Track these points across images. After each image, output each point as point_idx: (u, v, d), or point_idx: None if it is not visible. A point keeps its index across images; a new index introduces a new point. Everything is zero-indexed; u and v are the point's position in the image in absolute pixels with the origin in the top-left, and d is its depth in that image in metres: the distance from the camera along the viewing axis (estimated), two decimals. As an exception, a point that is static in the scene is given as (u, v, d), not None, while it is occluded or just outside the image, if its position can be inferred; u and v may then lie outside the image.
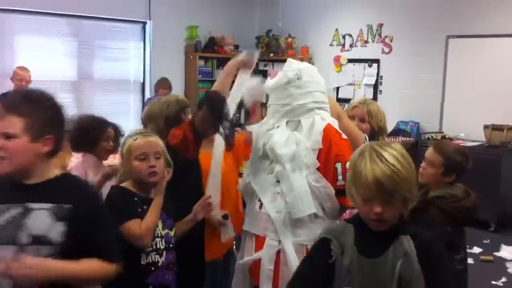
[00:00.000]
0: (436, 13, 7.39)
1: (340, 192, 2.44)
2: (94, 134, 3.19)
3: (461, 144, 6.19)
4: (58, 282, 1.82)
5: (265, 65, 9.26)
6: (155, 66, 8.48)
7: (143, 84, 8.62)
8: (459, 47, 7.19)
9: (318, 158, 2.46)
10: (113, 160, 4.17)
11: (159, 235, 2.42)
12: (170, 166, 2.49)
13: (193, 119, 2.52)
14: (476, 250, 5.60)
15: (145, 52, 8.55)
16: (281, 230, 2.44)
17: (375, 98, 7.88)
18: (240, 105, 2.84)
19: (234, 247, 4.23)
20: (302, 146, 2.46)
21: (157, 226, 2.41)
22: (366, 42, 8.31)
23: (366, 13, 8.28)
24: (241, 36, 9.36)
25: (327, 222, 2.49)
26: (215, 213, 2.96)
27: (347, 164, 2.42)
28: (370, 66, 8.24)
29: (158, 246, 2.41)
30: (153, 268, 2.38)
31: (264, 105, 2.88)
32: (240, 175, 3.24)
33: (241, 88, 2.77)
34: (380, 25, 8.09)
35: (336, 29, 8.66)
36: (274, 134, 2.51)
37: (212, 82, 9.07)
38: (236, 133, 2.92)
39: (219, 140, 2.96)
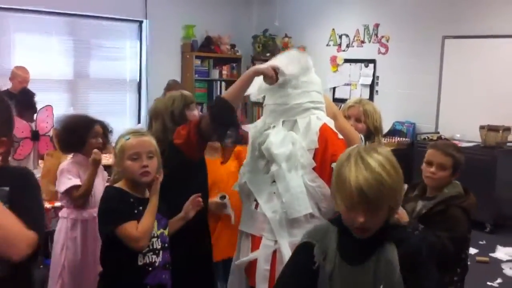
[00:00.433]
0: (432, 14, 7.40)
1: (336, 192, 2.45)
2: (81, 133, 3.18)
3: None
4: None
5: (261, 65, 9.24)
6: (151, 65, 8.47)
7: (139, 83, 8.61)
8: (455, 48, 7.20)
9: (314, 158, 2.46)
10: (108, 160, 4.17)
11: (155, 235, 2.42)
12: (161, 167, 2.48)
13: (200, 120, 2.51)
14: (472, 251, 5.59)
15: (142, 51, 8.55)
16: (277, 230, 2.44)
17: (371, 98, 7.89)
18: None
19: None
20: (298, 146, 2.46)
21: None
22: (363, 42, 8.31)
23: (362, 14, 8.28)
24: (237, 35, 9.36)
25: (323, 222, 2.48)
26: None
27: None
28: (366, 66, 8.25)
29: (155, 246, 2.41)
30: (150, 269, 2.37)
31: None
32: None
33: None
34: (377, 26, 8.10)
35: (333, 29, 8.67)
36: (270, 134, 2.51)
37: (209, 81, 9.10)
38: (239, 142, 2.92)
39: None
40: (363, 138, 3.02)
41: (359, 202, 1.65)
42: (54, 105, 5.04)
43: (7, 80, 6.09)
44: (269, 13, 9.29)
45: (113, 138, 3.22)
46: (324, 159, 2.45)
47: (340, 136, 2.54)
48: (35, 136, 4.71)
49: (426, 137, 7.14)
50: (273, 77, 2.48)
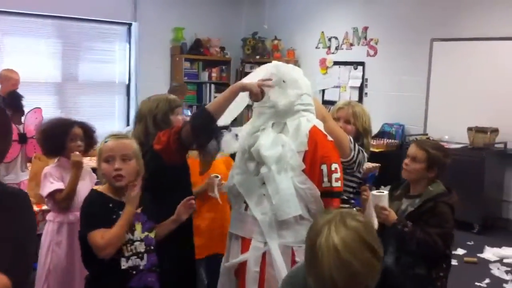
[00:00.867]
0: (421, 17, 7.45)
1: (326, 194, 2.46)
2: (59, 137, 3.15)
3: (445, 146, 6.24)
4: None
5: (251, 67, 9.26)
6: (140, 68, 8.45)
7: (128, 86, 8.58)
8: (444, 50, 7.25)
9: (303, 160, 2.46)
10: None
11: (139, 238, 2.40)
12: (140, 174, 2.44)
13: (181, 128, 2.49)
14: (460, 251, 5.63)
15: (131, 54, 8.51)
16: (267, 232, 2.44)
17: (360, 100, 7.92)
18: None
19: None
20: (288, 148, 2.46)
21: (135, 230, 2.39)
22: (352, 45, 8.35)
23: (351, 16, 8.32)
24: (227, 38, 9.36)
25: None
26: None
27: (333, 166, 2.45)
28: (355, 68, 8.28)
29: (138, 250, 2.39)
30: (134, 272, 2.36)
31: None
32: None
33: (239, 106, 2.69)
34: (366, 28, 8.14)
35: (322, 32, 8.69)
36: (260, 136, 2.51)
37: (198, 84, 9.10)
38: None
39: None
40: (352, 140, 3.03)
41: None
42: (42, 108, 5.02)
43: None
44: (258, 16, 9.31)
45: (100, 139, 3.21)
46: (313, 161, 2.46)
47: (330, 138, 2.55)
48: (23, 139, 4.69)
49: (415, 139, 7.18)
50: (258, 95, 2.49)
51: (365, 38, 8.15)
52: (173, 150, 2.49)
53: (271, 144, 2.47)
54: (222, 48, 9.35)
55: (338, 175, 2.47)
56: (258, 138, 2.51)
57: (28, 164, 4.73)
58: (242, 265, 2.51)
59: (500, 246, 5.79)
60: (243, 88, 2.50)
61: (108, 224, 2.30)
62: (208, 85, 9.23)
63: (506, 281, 4.97)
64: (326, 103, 7.84)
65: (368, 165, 5.48)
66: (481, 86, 6.81)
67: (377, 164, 6.05)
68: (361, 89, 8.20)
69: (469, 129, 6.63)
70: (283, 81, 2.52)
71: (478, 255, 5.61)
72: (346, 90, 8.39)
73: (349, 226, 1.58)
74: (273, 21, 9.11)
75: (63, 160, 3.20)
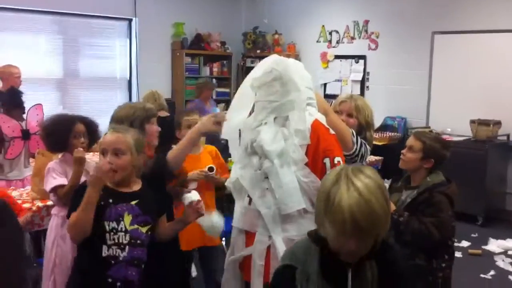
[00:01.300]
0: (422, 10, 7.42)
1: (329, 187, 2.45)
2: (61, 134, 3.14)
3: (447, 139, 6.24)
4: None
5: (252, 62, 9.26)
6: (141, 63, 8.43)
7: (129, 81, 8.57)
8: (445, 43, 7.23)
9: (306, 153, 2.46)
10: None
11: (123, 229, 2.39)
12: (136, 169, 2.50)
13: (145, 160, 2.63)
14: (464, 244, 5.63)
15: (131, 49, 8.50)
16: (271, 225, 2.44)
17: (362, 94, 7.91)
18: None
19: (224, 243, 4.31)
20: (290, 142, 2.46)
21: (122, 220, 2.38)
22: (353, 38, 8.32)
23: (352, 10, 8.29)
24: (227, 33, 9.34)
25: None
26: None
27: (335, 159, 2.44)
28: (356, 62, 8.26)
29: (121, 241, 2.38)
30: (113, 262, 2.36)
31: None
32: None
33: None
34: (366, 22, 8.11)
35: (323, 26, 8.67)
36: (262, 130, 2.50)
37: (199, 79, 9.07)
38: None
39: None
40: (354, 133, 3.03)
41: (352, 230, 1.62)
42: (43, 104, 5.01)
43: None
44: (259, 10, 9.28)
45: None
46: (316, 154, 2.46)
47: (332, 132, 2.55)
48: (26, 135, 4.69)
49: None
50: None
51: (366, 31, 8.13)
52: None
53: (273, 139, 2.47)
54: (223, 43, 9.34)
55: (341, 168, 2.46)
56: (260, 132, 2.50)
57: (31, 160, 4.74)
58: (247, 259, 2.51)
59: (504, 238, 5.79)
60: (201, 133, 2.76)
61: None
62: (209, 80, 9.21)
63: (511, 273, 4.97)
64: (328, 97, 7.83)
65: (370, 158, 5.47)
66: (484, 79, 6.79)
67: (380, 158, 6.04)
68: (362, 82, 8.19)
69: (472, 121, 6.62)
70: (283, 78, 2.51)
71: (483, 247, 5.61)
72: (348, 84, 8.37)
73: (366, 173, 1.69)
74: (274, 15, 9.09)
75: (67, 156, 3.20)
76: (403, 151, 3.04)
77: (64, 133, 3.14)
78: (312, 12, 8.76)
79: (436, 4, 7.25)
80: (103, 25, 8.19)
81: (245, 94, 2.66)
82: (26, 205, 3.60)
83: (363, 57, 8.17)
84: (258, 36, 9.32)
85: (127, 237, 2.39)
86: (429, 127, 7.27)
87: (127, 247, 2.39)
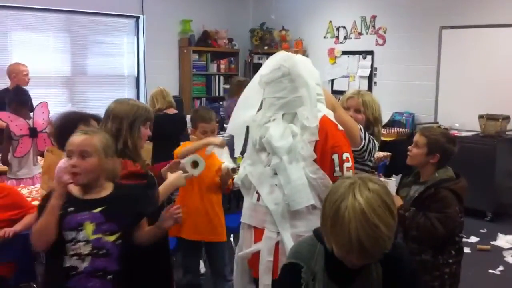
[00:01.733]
0: (429, 4, 7.39)
1: (337, 183, 2.46)
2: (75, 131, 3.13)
3: (456, 134, 6.23)
4: None
5: (259, 58, 9.26)
6: (149, 61, 8.46)
7: (137, 79, 8.60)
8: (453, 38, 7.19)
9: (314, 149, 2.46)
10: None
11: (85, 239, 2.26)
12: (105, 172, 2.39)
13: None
14: (473, 239, 5.62)
15: (139, 46, 8.53)
16: (280, 222, 2.45)
17: (369, 89, 7.90)
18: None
19: (232, 240, 4.33)
20: (299, 138, 2.46)
21: (82, 229, 2.26)
22: (360, 34, 8.30)
23: (359, 5, 8.27)
24: (235, 29, 9.35)
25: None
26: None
27: (344, 155, 2.45)
28: (364, 58, 8.24)
29: (81, 251, 2.26)
30: (73, 273, 2.25)
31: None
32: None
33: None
34: (374, 17, 8.09)
35: (330, 22, 8.65)
36: (270, 126, 2.51)
37: (207, 76, 9.11)
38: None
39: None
40: (362, 129, 3.03)
41: (358, 252, 1.64)
42: (52, 102, 5.06)
43: (5, 78, 6.08)
44: (266, 6, 9.27)
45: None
46: (324, 150, 2.46)
47: (340, 128, 2.55)
48: (33, 133, 4.73)
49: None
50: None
51: (374, 27, 8.11)
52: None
53: (282, 135, 2.46)
54: (230, 40, 9.34)
55: (349, 164, 2.47)
56: (268, 129, 2.51)
57: (40, 158, 4.77)
58: (256, 255, 2.52)
59: (513, 234, 5.77)
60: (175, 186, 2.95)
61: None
62: (216, 76, 9.24)
63: (520, 269, 4.96)
64: (335, 93, 7.81)
65: (378, 154, 5.47)
66: (492, 73, 6.76)
67: (388, 153, 6.04)
68: (370, 78, 8.17)
69: (480, 116, 6.59)
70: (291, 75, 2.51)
71: (492, 242, 5.60)
72: (355, 79, 8.36)
73: (372, 189, 1.67)
74: (281, 11, 9.08)
75: None
76: (410, 147, 3.05)
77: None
78: (319, 8, 8.74)
79: (444, -1, 7.23)
80: (111, 23, 8.22)
81: (253, 91, 2.67)
82: (36, 203, 3.62)
83: (370, 52, 8.15)
84: (265, 33, 9.32)
85: (88, 247, 2.26)
86: (437, 123, 7.24)
87: (88, 257, 2.26)
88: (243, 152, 2.77)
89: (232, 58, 9.44)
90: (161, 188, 2.85)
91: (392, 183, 2.94)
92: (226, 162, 3.61)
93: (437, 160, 2.93)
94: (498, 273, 4.85)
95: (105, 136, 2.43)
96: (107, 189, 2.39)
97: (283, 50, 2.70)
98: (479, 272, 4.74)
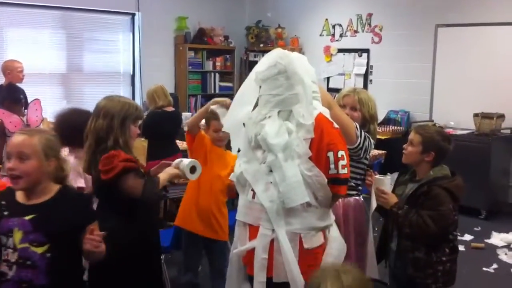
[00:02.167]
0: (425, 3, 7.40)
1: (333, 181, 2.47)
2: (80, 130, 2.98)
3: (451, 133, 6.24)
4: None
5: (255, 56, 9.25)
6: (144, 58, 8.44)
7: (133, 76, 8.58)
8: (449, 36, 7.21)
9: (310, 147, 2.46)
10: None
11: (13, 247, 2.15)
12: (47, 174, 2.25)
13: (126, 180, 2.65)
14: (467, 237, 5.64)
15: (135, 43, 8.50)
16: (275, 219, 2.45)
17: (365, 87, 7.89)
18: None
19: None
20: (294, 135, 2.46)
21: (11, 236, 2.15)
22: (356, 32, 8.31)
23: (355, 3, 8.27)
24: (230, 27, 9.33)
25: (320, 210, 2.51)
26: None
27: (339, 153, 2.45)
28: (360, 56, 8.25)
29: (9, 258, 2.15)
30: (3, 279, 2.16)
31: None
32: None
33: None
34: (370, 15, 8.10)
35: (326, 19, 8.65)
36: (266, 124, 2.51)
37: (202, 73, 9.08)
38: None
39: None
40: (358, 126, 3.03)
41: None
42: (47, 99, 5.06)
43: (-1, 74, 6.07)
44: (262, 4, 9.27)
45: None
46: (320, 148, 2.46)
47: (336, 125, 2.55)
48: (28, 130, 4.72)
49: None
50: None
51: (369, 24, 8.11)
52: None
53: (277, 132, 2.47)
54: (226, 37, 9.33)
55: (344, 162, 2.47)
56: (264, 126, 2.51)
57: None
58: (250, 252, 2.52)
59: (507, 232, 5.78)
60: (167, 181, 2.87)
61: None
62: (212, 74, 9.22)
63: (514, 266, 4.99)
64: (331, 90, 7.83)
65: (374, 152, 5.47)
66: (487, 72, 6.77)
67: (383, 151, 6.04)
68: (366, 76, 8.18)
69: (475, 115, 6.61)
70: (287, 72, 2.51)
71: (486, 240, 5.61)
72: (351, 77, 8.36)
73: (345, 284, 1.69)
74: (277, 9, 9.07)
75: (80, 152, 3.16)
76: (405, 145, 3.05)
77: (82, 127, 2.95)
78: (315, 6, 8.74)
79: (440, -3, 7.24)
80: (107, 20, 8.20)
81: (249, 88, 2.67)
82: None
83: (366, 50, 8.16)
84: (261, 30, 9.31)
85: (15, 256, 2.13)
86: (433, 121, 7.25)
87: (14, 266, 2.14)
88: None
89: (228, 56, 9.43)
90: (161, 175, 2.83)
91: (387, 180, 2.95)
92: None
93: (432, 158, 2.94)
94: (492, 271, 4.87)
95: (47, 136, 2.27)
96: (48, 194, 2.23)
97: (279, 47, 2.70)
98: (473, 270, 4.76)
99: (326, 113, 2.57)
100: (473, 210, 6.20)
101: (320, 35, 8.75)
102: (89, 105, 3.44)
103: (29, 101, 5.21)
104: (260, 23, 9.31)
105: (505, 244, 5.53)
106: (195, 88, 9.03)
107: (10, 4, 7.15)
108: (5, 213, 2.18)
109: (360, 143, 3.00)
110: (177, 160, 2.95)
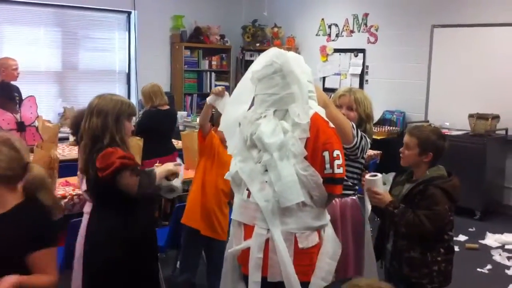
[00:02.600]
0: (421, 3, 7.41)
1: (328, 180, 2.46)
2: None
3: (446, 133, 6.24)
4: None
5: (251, 55, 9.24)
6: (140, 56, 8.43)
7: (128, 74, 8.56)
8: (444, 37, 7.22)
9: (305, 146, 2.46)
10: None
11: None
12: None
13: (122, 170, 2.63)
14: (462, 238, 5.65)
15: (130, 42, 8.49)
16: (270, 218, 2.44)
17: (361, 87, 7.88)
18: None
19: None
20: (290, 135, 2.46)
21: None
22: (352, 32, 8.31)
23: (352, 3, 8.28)
24: (227, 25, 9.33)
25: (315, 210, 2.50)
26: None
27: (335, 153, 2.45)
28: (356, 55, 8.25)
29: None
30: None
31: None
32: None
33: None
34: (366, 15, 8.10)
35: (322, 19, 8.65)
36: (261, 123, 2.50)
37: (198, 72, 9.08)
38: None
39: None
40: (354, 126, 3.03)
41: None
42: (42, 97, 5.04)
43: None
44: (258, 3, 9.26)
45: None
46: (315, 147, 2.46)
47: (331, 125, 2.55)
48: (21, 127, 4.70)
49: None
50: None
51: (366, 24, 8.12)
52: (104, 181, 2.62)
53: (273, 131, 2.46)
54: (222, 36, 9.32)
55: (340, 161, 2.47)
56: (259, 125, 2.50)
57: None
58: (246, 252, 2.52)
59: (501, 232, 5.79)
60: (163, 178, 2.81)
61: None
62: (208, 73, 9.22)
63: (508, 267, 4.98)
64: (327, 90, 7.79)
65: (369, 152, 5.47)
66: (482, 73, 6.78)
67: (378, 152, 6.05)
68: (361, 76, 8.18)
69: (470, 115, 6.62)
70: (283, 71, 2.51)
71: (480, 241, 5.63)
72: (347, 77, 8.37)
73: None
74: (273, 8, 9.07)
75: None
76: (401, 149, 3.03)
77: None
78: (311, 5, 8.74)
79: (436, -2, 7.25)
80: (102, 18, 8.18)
81: (245, 88, 2.66)
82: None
83: (362, 50, 8.16)
84: (258, 29, 9.30)
85: None
86: (428, 121, 7.27)
87: None
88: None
89: (224, 55, 9.42)
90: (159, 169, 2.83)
91: (378, 181, 2.93)
92: None
93: (430, 159, 2.93)
94: (486, 271, 4.88)
95: None
96: (8, 206, 2.14)
97: (275, 47, 2.70)
98: (467, 270, 4.76)
99: (322, 112, 2.57)
100: (467, 211, 6.21)
101: (316, 34, 8.75)
102: (84, 104, 3.41)
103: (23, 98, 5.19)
104: (256, 22, 9.30)
105: (500, 244, 5.54)
106: (191, 87, 9.02)
107: (4, 1, 7.12)
108: None
109: (357, 142, 2.99)
110: (178, 162, 2.97)
